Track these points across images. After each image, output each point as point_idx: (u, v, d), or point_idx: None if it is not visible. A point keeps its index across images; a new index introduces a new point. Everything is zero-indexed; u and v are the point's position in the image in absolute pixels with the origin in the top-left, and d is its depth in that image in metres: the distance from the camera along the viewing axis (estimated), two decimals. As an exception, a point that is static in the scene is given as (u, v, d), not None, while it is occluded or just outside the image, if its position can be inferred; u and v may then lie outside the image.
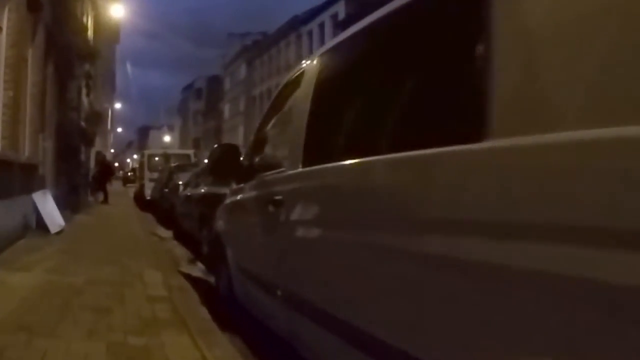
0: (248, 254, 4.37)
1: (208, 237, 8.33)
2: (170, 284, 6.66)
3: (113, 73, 63.99)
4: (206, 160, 16.66)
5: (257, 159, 4.50)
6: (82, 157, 19.85)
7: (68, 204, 15.01)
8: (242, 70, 62.50)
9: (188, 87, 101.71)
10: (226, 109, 69.88)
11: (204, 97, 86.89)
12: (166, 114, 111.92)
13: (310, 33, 42.73)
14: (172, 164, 18.28)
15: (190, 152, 24.78)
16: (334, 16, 38.85)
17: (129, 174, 60.44)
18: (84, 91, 22.90)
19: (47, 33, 12.08)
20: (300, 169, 3.27)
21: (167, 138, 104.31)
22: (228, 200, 5.24)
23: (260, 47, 56.61)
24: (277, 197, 3.46)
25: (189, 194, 11.20)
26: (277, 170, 3.77)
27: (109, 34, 42.71)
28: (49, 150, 13.72)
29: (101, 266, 7.44)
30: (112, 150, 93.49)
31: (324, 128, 3.16)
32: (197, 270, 8.60)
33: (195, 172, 11.98)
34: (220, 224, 5.41)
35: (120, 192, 37.37)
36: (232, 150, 4.74)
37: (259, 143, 4.75)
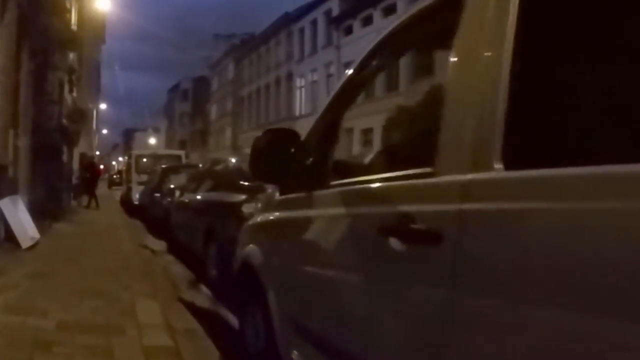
0: (318, 311, 2.57)
1: (218, 259, 6.64)
2: (173, 325, 4.89)
3: (98, 73, 62.05)
4: (200, 165, 14.94)
5: (336, 156, 2.74)
6: (64, 158, 17.90)
7: (46, 211, 13.15)
8: (230, 70, 60.57)
9: (174, 89, 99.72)
10: (213, 110, 67.85)
11: (190, 98, 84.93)
12: (152, 116, 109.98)
13: (302, 31, 40.97)
14: (163, 166, 16.43)
15: (181, 152, 22.95)
16: (328, 12, 37.15)
17: (115, 176, 58.49)
18: (66, 87, 21.01)
19: (20, 12, 10.26)
20: (493, 173, 1.50)
21: (152, 140, 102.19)
22: (267, 217, 3.43)
23: (249, 46, 54.74)
24: (417, 226, 1.71)
25: (186, 200, 9.40)
26: (401, 175, 1.97)
27: (95, 31, 40.91)
28: (23, 150, 11.84)
29: (81, 298, 5.68)
30: (98, 152, 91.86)
31: (549, 99, 1.51)
32: (203, 297, 6.88)
33: (194, 174, 10.16)
34: (253, 252, 3.56)
35: (106, 195, 35.25)
36: (289, 138, 2.93)
37: (332, 132, 2.94)
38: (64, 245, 10.01)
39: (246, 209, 6.09)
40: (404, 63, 26.30)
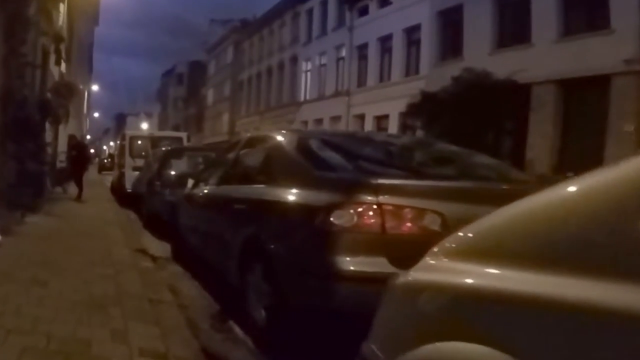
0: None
1: (270, 292, 4.08)
2: None
3: (91, 54, 59.33)
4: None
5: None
6: (47, 137, 15.09)
7: (19, 201, 10.45)
8: (229, 54, 57.67)
9: (168, 73, 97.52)
10: (210, 95, 64.97)
11: (185, 83, 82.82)
12: (145, 101, 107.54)
13: (310, 11, 38.13)
14: (165, 148, 13.61)
15: (183, 134, 19.99)
16: (340, -8, 34.40)
17: (105, 160, 55.88)
18: (53, 57, 18.18)
19: None
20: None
21: (144, 125, 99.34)
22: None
23: (250, 28, 51.86)
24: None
25: (205, 194, 6.68)
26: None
27: (88, 8, 38.20)
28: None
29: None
30: (89, 137, 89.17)
31: None
32: (242, 349, 4.30)
33: (215, 158, 7.41)
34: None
35: (96, 181, 32.44)
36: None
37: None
38: (36, 250, 7.29)
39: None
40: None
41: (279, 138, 5.09)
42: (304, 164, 4.38)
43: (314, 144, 4.73)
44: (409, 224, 3.50)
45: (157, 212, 10.96)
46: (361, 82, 31.34)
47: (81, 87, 43.76)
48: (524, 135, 19.81)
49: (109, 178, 35.27)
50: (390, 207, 3.49)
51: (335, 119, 32.25)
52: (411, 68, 27.25)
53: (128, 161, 18.20)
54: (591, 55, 17.26)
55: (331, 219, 3.53)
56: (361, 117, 29.73)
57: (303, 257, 3.82)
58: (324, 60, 35.90)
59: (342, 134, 5.94)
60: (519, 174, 5.03)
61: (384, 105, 27.19)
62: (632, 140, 16.11)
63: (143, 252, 8.17)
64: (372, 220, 3.46)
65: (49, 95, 15.94)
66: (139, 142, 19.06)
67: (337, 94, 33.14)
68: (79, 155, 17.53)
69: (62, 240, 8.31)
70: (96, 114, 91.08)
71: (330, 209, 3.57)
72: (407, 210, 3.51)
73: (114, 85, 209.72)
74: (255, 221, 4.61)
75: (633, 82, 16.41)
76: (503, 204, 1.68)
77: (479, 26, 22.21)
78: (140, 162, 16.47)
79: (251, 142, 5.92)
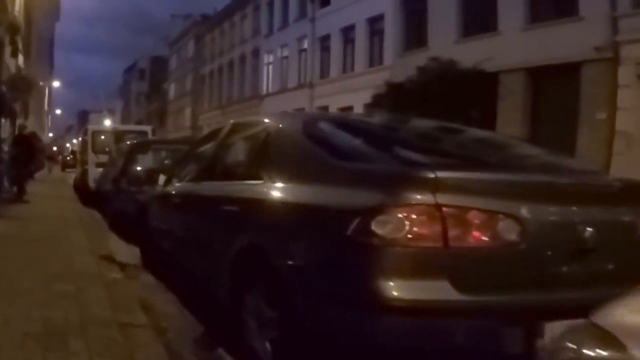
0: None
1: (281, 320, 2.99)
2: None
3: (52, 49, 57.15)
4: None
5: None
6: (2, 133, 13.69)
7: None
8: (190, 48, 55.98)
9: (130, 69, 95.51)
10: (172, 89, 63.15)
11: (148, 78, 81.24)
12: (107, 98, 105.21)
13: (271, 3, 36.76)
14: (129, 142, 12.34)
15: (148, 128, 18.65)
16: (301, -17, 33.23)
17: (68, 157, 53.98)
18: (8, 49, 16.73)
19: None
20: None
21: (107, 122, 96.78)
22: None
23: (210, 22, 50.33)
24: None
25: (182, 193, 5.64)
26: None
27: (46, 3, 36.49)
28: None
29: None
30: (51, 134, 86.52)
31: None
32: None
33: (190, 150, 6.32)
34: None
35: (58, 179, 30.86)
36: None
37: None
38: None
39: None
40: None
41: (278, 122, 4.06)
42: (321, 152, 3.30)
43: (326, 128, 3.73)
44: (478, 233, 2.53)
45: (124, 212, 9.81)
46: (324, 73, 30.37)
47: (41, 83, 41.98)
48: (492, 124, 19.04)
49: (72, 176, 33.76)
50: (454, 210, 2.50)
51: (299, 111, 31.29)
52: (375, 58, 26.36)
53: (91, 157, 16.85)
54: (560, 42, 16.60)
55: (372, 227, 2.52)
56: (325, 109, 28.73)
57: (329, 278, 2.79)
58: (285, 53, 34.75)
59: (350, 116, 4.78)
60: (583, 163, 4.00)
61: (348, 96, 26.26)
62: (605, 127, 15.53)
63: (110, 259, 7.06)
64: (430, 229, 2.49)
65: (3, 88, 14.54)
66: (102, 137, 17.68)
67: (299, 86, 32.10)
68: (23, 150, 15.74)
69: (15, 248, 7.13)
70: (58, 111, 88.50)
71: (370, 213, 2.56)
72: (476, 213, 2.53)
73: (76, 83, 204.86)
74: (253, 227, 3.57)
75: (604, 69, 15.82)
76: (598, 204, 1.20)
77: (444, 15, 21.42)
78: (104, 158, 15.18)
79: (238, 130, 4.84)
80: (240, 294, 3.64)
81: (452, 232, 2.48)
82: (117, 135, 16.49)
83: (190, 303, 5.33)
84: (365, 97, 23.12)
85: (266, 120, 4.28)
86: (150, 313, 4.81)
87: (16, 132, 19.06)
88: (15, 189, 16.61)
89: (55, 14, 51.81)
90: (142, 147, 11.31)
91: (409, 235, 2.48)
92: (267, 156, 3.82)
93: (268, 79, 37.21)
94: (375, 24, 26.31)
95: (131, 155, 10.61)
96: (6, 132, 14.17)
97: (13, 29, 16.61)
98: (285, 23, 34.85)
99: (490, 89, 18.60)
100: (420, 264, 2.50)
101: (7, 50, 16.90)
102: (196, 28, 54.13)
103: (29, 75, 18.82)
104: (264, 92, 37.23)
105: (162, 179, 6.20)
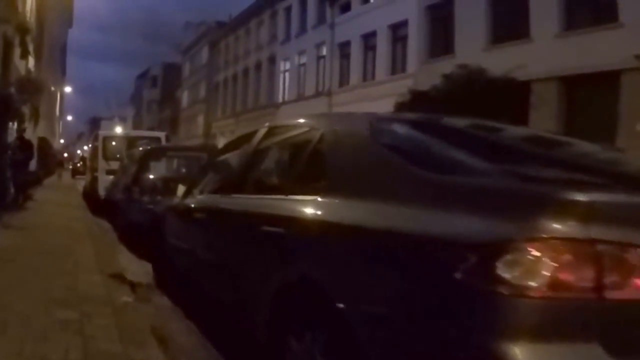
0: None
1: None
2: None
3: (64, 55, 57.10)
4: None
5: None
6: (6, 137, 13.05)
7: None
8: (204, 55, 55.59)
9: (142, 76, 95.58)
10: (184, 97, 62.84)
11: (160, 85, 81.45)
12: (119, 105, 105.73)
13: (288, 9, 36.29)
14: (142, 149, 11.66)
15: (161, 134, 17.97)
16: (320, -11, 32.63)
17: (79, 164, 53.97)
18: (17, 50, 16.17)
19: None
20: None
21: (118, 129, 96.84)
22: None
23: (225, 28, 49.91)
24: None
25: (205, 205, 4.93)
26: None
27: (60, 6, 36.23)
28: None
29: None
30: (62, 141, 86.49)
31: None
32: None
33: (211, 160, 5.60)
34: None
35: (68, 186, 30.36)
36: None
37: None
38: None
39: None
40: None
41: (332, 124, 3.28)
42: (403, 161, 2.50)
43: (403, 131, 2.99)
44: None
45: (136, 224, 9.13)
46: (343, 81, 29.71)
47: (53, 88, 41.66)
48: (523, 135, 18.31)
49: (82, 183, 33.32)
50: (613, 248, 1.74)
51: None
52: (397, 66, 25.68)
53: (101, 164, 16.24)
54: (597, 50, 15.83)
55: (496, 269, 1.76)
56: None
57: (423, 335, 2.02)
58: (303, 60, 34.15)
59: (423, 117, 3.89)
60: None
61: (369, 105, 25.49)
62: (645, 139, 14.72)
63: (119, 277, 6.36)
64: (581, 274, 1.74)
65: (11, 90, 13.96)
66: (113, 143, 17.06)
67: (317, 94, 31.45)
68: (29, 154, 15.04)
69: (13, 264, 6.43)
70: (69, 118, 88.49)
71: (492, 249, 1.79)
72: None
73: (88, 90, 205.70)
74: (306, 256, 2.80)
75: (645, 78, 15.03)
76: None
77: (472, 21, 20.71)
78: (115, 165, 14.55)
79: (276, 133, 4.09)
80: (283, 335, 2.90)
81: (610, 278, 1.74)
82: (129, 142, 15.86)
83: (213, 333, 4.62)
84: (387, 105, 22.26)
85: (314, 122, 3.55)
86: (166, 346, 4.09)
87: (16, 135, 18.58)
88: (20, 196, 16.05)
89: (68, 20, 51.76)
90: (156, 154, 10.66)
91: (551, 282, 1.74)
92: (322, 165, 3.03)
93: (284, 87, 36.62)
94: (398, 30, 25.64)
95: (144, 163, 9.95)
96: (13, 136, 13.53)
97: (23, 29, 16.06)
98: (303, 29, 34.29)
99: (521, 98, 17.81)
100: (564, 322, 1.75)
101: (17, 51, 16.35)
102: (210, 35, 53.79)
103: (38, 78, 18.29)
104: (280, 100, 36.64)
105: (181, 189, 5.50)
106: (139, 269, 7.51)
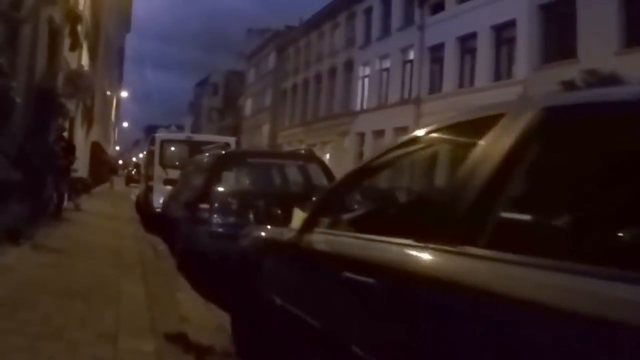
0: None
1: None
2: None
3: (121, 59, 57.24)
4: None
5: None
6: (50, 138, 11.48)
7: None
8: (271, 61, 54.39)
9: (202, 83, 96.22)
10: (248, 105, 61.85)
11: (221, 93, 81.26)
12: (176, 114, 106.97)
13: (368, 11, 34.40)
14: (213, 153, 9.58)
15: (231, 139, 16.05)
16: (407, -12, 30.68)
17: (133, 171, 53.79)
18: (67, 41, 14.77)
19: None
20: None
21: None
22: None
23: (295, 33, 48.52)
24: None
25: (365, 253, 2.78)
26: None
27: (118, 8, 35.88)
28: None
29: None
30: (118, 148, 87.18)
31: None
32: None
33: (356, 173, 3.51)
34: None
35: (120, 194, 29.17)
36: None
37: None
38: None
39: None
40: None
41: None
42: None
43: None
44: None
45: (202, 252, 7.27)
46: (434, 88, 27.56)
47: (109, 92, 41.17)
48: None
49: (136, 191, 32.23)
50: None
51: (401, 130, 28.45)
52: (502, 71, 23.35)
53: (157, 172, 14.48)
54: None
55: None
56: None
57: None
58: (386, 64, 32.12)
59: None
60: None
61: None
62: None
63: (180, 339, 4.45)
64: None
65: (58, 82, 12.49)
66: (173, 148, 15.29)
67: (402, 101, 29.34)
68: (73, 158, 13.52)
69: (27, 316, 4.56)
70: (125, 124, 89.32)
71: None
72: None
73: (145, 97, 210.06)
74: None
75: None
76: None
77: (600, 20, 18.28)
78: (174, 174, 12.77)
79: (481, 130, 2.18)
80: None
81: None
82: (192, 147, 14.08)
83: None
84: None
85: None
86: None
87: (74, 141, 17.22)
88: (69, 205, 14.55)
89: (126, 25, 51.86)
90: (233, 160, 8.71)
91: None
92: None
93: (363, 94, 34.66)
94: (503, 31, 23.36)
95: (217, 172, 8.01)
96: (53, 135, 11.95)
97: (73, 17, 14.68)
98: (386, 32, 32.33)
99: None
100: None
101: (66, 42, 15.00)
102: (278, 40, 52.62)
103: (89, 74, 16.89)
104: (358, 108, 34.65)
105: (298, 216, 3.45)
106: (207, 319, 5.65)
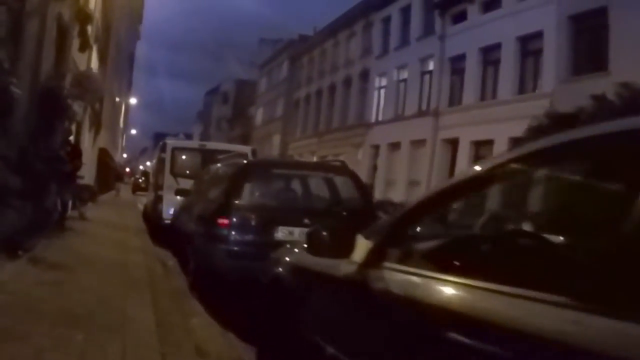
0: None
1: None
2: None
3: (131, 65, 56.96)
4: None
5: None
6: (55, 142, 10.79)
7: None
8: (284, 70, 53.77)
9: (212, 92, 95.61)
10: (259, 114, 61.23)
11: (231, 102, 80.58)
12: (185, 123, 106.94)
13: (387, 20, 33.66)
14: (234, 163, 8.74)
15: (247, 149, 15.13)
16: (429, -6, 29.92)
17: (140, 179, 53.46)
18: (76, 41, 14.20)
19: None
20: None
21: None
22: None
23: (309, 42, 47.92)
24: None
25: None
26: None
27: (129, 13, 35.49)
28: None
29: None
30: (125, 155, 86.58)
31: None
32: None
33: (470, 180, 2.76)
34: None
35: (127, 203, 28.55)
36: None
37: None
38: None
39: None
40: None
41: None
42: None
43: None
44: None
45: (219, 271, 6.55)
46: (454, 100, 26.78)
47: (117, 99, 40.63)
48: None
49: (143, 200, 31.54)
50: None
51: (418, 143, 27.74)
52: (527, 84, 22.56)
53: (168, 181, 13.74)
54: None
55: None
56: (453, 142, 25.05)
57: None
58: (403, 75, 31.36)
59: None
60: None
61: (488, 128, 22.66)
62: None
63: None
64: None
65: (65, 83, 11.85)
66: (184, 156, 14.53)
67: (420, 113, 28.55)
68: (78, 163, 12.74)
69: (23, 341, 3.85)
70: (133, 131, 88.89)
71: None
72: None
73: (153, 106, 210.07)
74: None
75: None
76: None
77: (634, 31, 17.54)
78: (185, 184, 12.04)
79: None
80: None
81: None
82: (206, 156, 13.32)
83: None
84: (513, 129, 19.72)
85: None
86: None
87: (80, 145, 16.62)
88: (74, 213, 13.88)
89: (137, 32, 51.61)
90: (257, 171, 7.94)
91: None
92: None
93: (378, 105, 33.92)
94: (529, 43, 22.61)
95: (239, 183, 7.26)
96: (60, 137, 11.26)
97: (83, 17, 14.10)
98: (404, 42, 31.61)
99: None
100: None
101: (75, 42, 14.42)
102: (291, 49, 52.09)
103: (98, 77, 16.26)
104: (373, 119, 33.89)
105: (362, 245, 2.70)
106: (226, 351, 4.95)
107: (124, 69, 44.93)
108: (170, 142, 14.73)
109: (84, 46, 15.70)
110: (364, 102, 35.70)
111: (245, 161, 8.36)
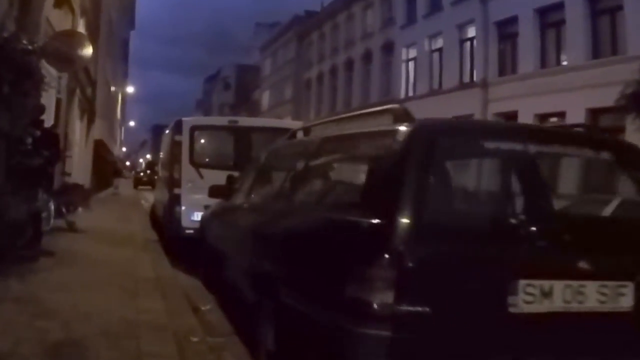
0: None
1: None
2: None
3: (126, 54, 53.55)
4: None
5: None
6: (20, 127, 6.98)
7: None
8: (290, 49, 50.34)
9: (211, 79, 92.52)
10: (265, 98, 57.79)
11: (233, 87, 77.84)
12: (183, 113, 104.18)
13: (411, -16, 30.21)
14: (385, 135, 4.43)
15: (297, 124, 10.65)
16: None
17: (141, 173, 50.18)
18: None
19: None
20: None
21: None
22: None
23: (318, 17, 44.33)
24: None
25: None
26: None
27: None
28: None
29: None
30: (124, 149, 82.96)
31: None
32: None
33: None
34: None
35: (128, 200, 24.74)
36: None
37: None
38: None
39: None
40: None
41: None
42: None
43: None
44: None
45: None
46: (505, 69, 23.26)
47: (113, 88, 37.02)
48: None
49: (147, 196, 27.66)
50: None
51: (463, 118, 24.15)
52: (602, 47, 18.87)
53: (188, 174, 9.73)
54: None
55: None
56: (510, 116, 21.26)
57: None
58: (437, 44, 27.62)
59: None
60: None
61: (554, 98, 19.08)
62: None
63: None
64: None
65: (35, 46, 7.98)
66: (209, 139, 10.48)
67: (463, 86, 24.92)
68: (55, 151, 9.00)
69: None
70: (132, 123, 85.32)
71: None
72: None
73: (149, 98, 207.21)
74: None
75: None
76: None
77: None
78: (216, 178, 8.18)
79: None
80: None
81: None
82: (240, 137, 9.55)
83: None
84: (589, 99, 17.62)
85: None
86: None
87: (68, 137, 12.89)
88: (59, 222, 10.19)
89: (130, 19, 48.27)
90: (448, 145, 3.32)
91: None
92: None
93: (407, 79, 30.38)
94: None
95: (415, 172, 3.15)
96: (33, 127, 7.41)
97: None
98: (436, 7, 27.77)
99: None
100: None
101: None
102: (298, 27, 48.61)
103: (84, 35, 12.22)
104: (402, 95, 30.00)
105: None
106: None
107: (118, 56, 41.30)
108: (188, 120, 10.48)
109: (60, 2, 11.92)
110: (390, 77, 32.26)
111: (411, 126, 3.71)
